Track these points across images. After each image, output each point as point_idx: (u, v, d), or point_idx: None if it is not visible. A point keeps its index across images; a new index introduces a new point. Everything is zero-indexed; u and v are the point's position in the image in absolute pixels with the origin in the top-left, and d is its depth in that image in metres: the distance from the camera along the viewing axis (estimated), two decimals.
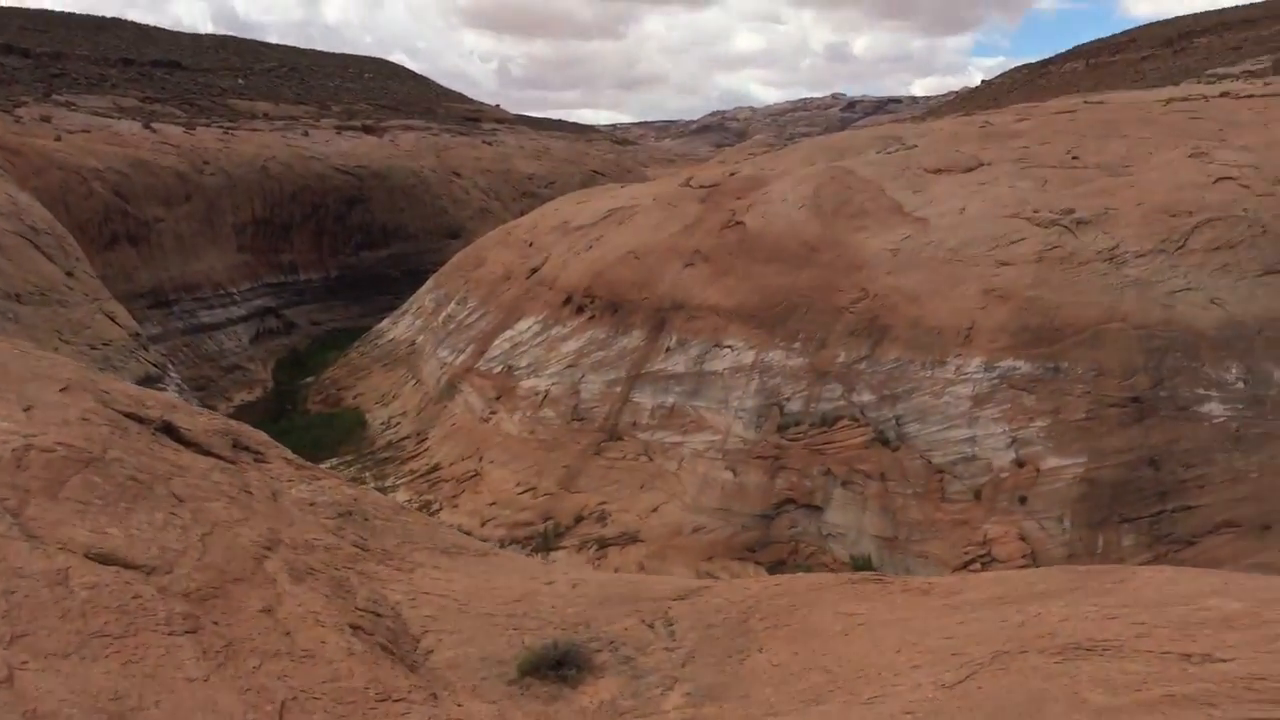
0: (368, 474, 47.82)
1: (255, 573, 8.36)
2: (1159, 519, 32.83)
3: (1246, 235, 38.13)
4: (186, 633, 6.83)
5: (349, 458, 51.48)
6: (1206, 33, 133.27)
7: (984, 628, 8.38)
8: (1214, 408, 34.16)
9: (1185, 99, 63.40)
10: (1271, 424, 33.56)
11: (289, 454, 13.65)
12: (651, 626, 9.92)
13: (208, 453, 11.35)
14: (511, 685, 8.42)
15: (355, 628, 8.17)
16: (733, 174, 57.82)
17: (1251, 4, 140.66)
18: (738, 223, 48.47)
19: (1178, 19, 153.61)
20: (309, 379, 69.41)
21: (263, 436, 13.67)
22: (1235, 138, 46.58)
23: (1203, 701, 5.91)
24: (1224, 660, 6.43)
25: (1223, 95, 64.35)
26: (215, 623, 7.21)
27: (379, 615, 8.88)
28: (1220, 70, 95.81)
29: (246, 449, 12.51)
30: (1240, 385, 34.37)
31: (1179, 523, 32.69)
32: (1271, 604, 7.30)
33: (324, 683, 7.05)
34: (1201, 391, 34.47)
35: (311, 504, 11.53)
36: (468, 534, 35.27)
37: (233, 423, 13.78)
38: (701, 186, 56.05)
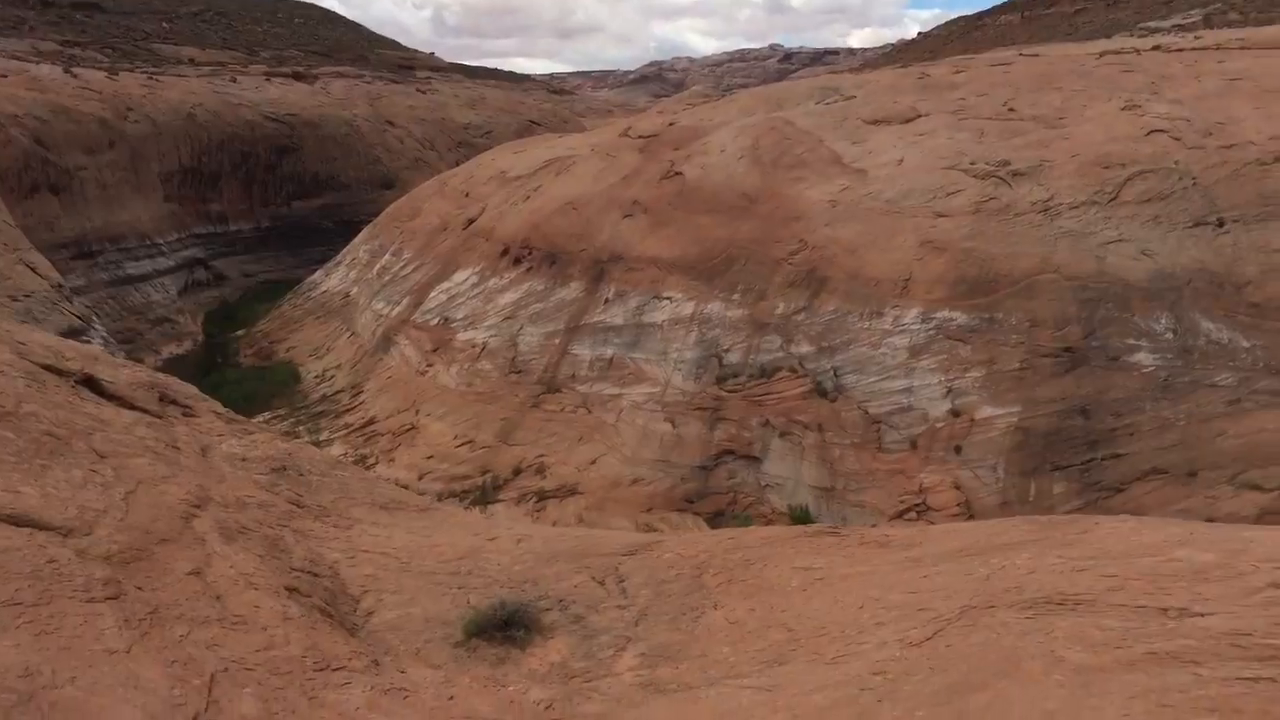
0: (302, 428, 47.10)
1: (183, 533, 7.85)
2: (1089, 467, 33.42)
3: (1177, 187, 38.63)
4: (107, 599, 6.31)
5: (282, 411, 50.66)
6: None
7: (948, 582, 8.12)
8: (1143, 357, 34.74)
9: (1118, 52, 63.99)
10: (1199, 373, 34.22)
11: (219, 408, 13.16)
12: (602, 583, 9.59)
13: (132, 406, 10.86)
14: (457, 648, 8.06)
15: (291, 590, 7.76)
16: (671, 124, 57.36)
17: None
18: (676, 173, 48.11)
19: None
20: (240, 331, 68.11)
21: (191, 390, 13.16)
22: (1167, 91, 47.07)
23: (1187, 659, 5.65)
24: (1202, 615, 6.18)
25: (1154, 49, 65.05)
26: (139, 588, 6.71)
27: (316, 575, 8.49)
28: (1152, 24, 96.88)
29: (174, 403, 12.04)
30: (1169, 335, 34.97)
31: (1108, 470, 33.32)
32: (1241, 555, 7.10)
33: (257, 651, 6.60)
34: (1132, 341, 35.02)
35: (243, 459, 11.09)
36: (405, 488, 34.95)
37: (159, 375, 13.25)
38: (640, 137, 55.54)
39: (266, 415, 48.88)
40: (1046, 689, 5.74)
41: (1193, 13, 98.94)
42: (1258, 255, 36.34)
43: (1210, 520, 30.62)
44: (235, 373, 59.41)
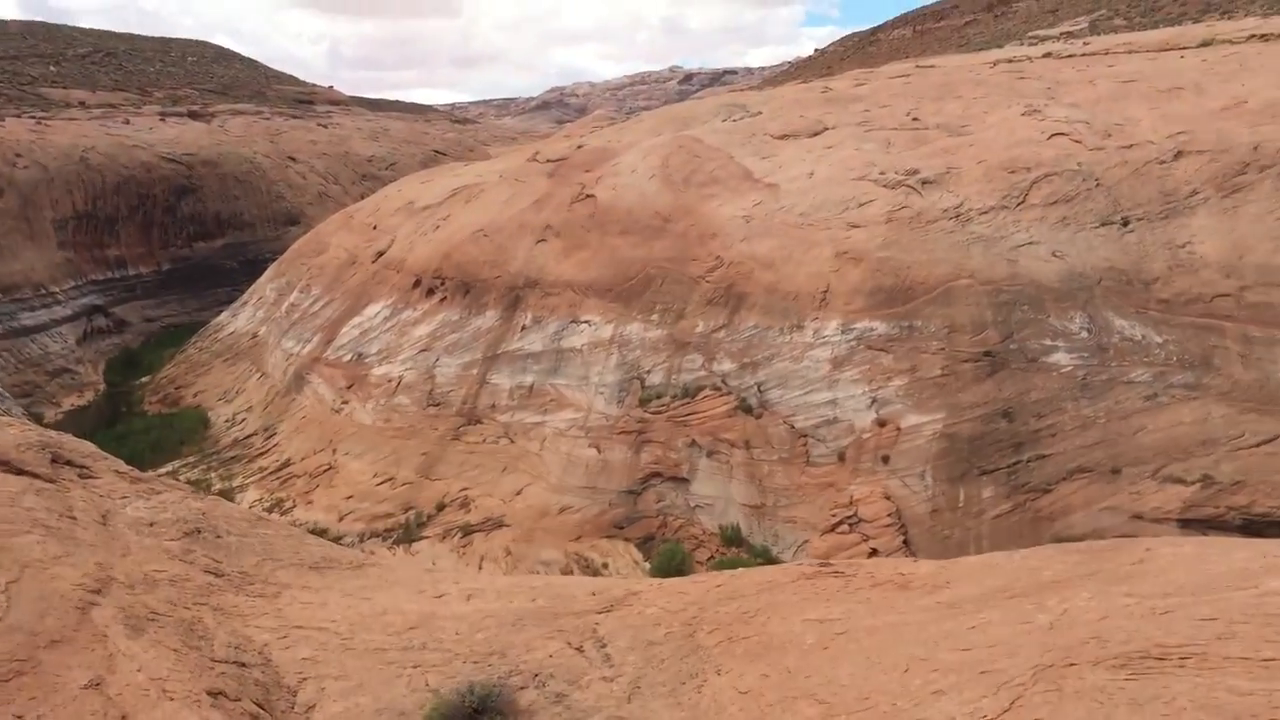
0: (213, 474, 45.44)
1: (79, 628, 6.60)
2: (1015, 469, 33.55)
3: (1082, 189, 39.25)
4: None
5: (192, 459, 48.87)
6: None
7: (1005, 633, 6.74)
8: (1061, 358, 35.08)
9: (1011, 60, 65.33)
10: (1115, 371, 34.63)
11: (121, 465, 11.98)
12: (581, 650, 8.35)
13: (20, 472, 9.81)
14: None
15: (215, 694, 6.58)
16: (580, 147, 56.95)
17: None
18: (588, 196, 47.67)
19: None
20: (144, 379, 65.83)
21: (89, 448, 11.98)
22: (1064, 95, 47.98)
23: None
24: None
25: (1046, 55, 66.55)
26: (19, 716, 5.41)
27: (244, 666, 7.38)
28: (1041, 32, 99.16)
29: (69, 464, 10.96)
30: (1084, 334, 35.37)
31: (1035, 471, 33.47)
32: None
33: None
34: (1049, 342, 35.35)
35: (151, 524, 10.03)
36: (324, 531, 33.74)
37: (51, 433, 12.08)
38: (549, 161, 55.03)
39: (176, 464, 47.09)
40: None
41: (1079, 20, 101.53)
42: (1163, 252, 36.98)
43: (1137, 516, 30.94)
44: (141, 421, 57.29)
